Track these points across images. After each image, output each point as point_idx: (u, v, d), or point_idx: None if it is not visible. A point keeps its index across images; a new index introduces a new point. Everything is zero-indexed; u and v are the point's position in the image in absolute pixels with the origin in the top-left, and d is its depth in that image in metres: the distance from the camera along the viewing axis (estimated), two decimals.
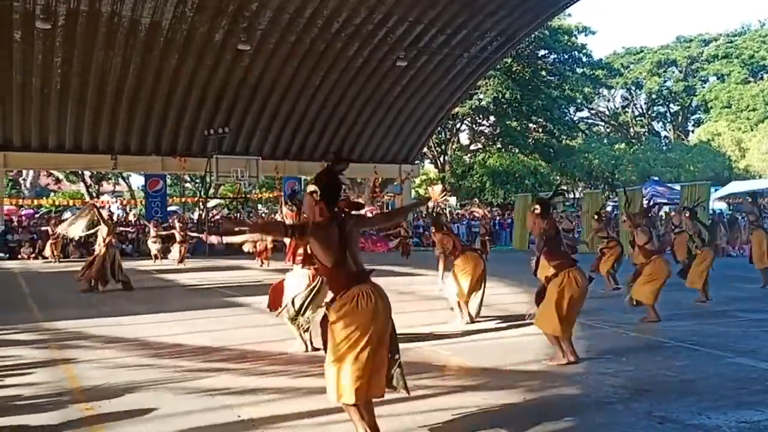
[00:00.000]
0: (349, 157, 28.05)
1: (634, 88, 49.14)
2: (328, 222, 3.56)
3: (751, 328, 7.35)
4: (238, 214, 28.40)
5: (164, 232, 19.34)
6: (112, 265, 11.50)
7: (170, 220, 22.22)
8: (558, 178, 39.35)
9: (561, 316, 5.49)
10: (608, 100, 50.96)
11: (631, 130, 49.96)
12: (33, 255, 21.45)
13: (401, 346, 3.80)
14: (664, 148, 42.48)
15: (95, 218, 12.24)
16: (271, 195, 32.85)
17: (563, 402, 4.62)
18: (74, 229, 12.77)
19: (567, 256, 5.75)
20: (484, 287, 7.75)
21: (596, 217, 12.43)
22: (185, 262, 17.63)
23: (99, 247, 11.68)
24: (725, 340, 6.61)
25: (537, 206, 5.76)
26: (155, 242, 19.34)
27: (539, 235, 5.77)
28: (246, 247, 6.62)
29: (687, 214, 10.13)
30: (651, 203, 17.86)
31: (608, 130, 50.94)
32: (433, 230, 8.21)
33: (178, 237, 17.97)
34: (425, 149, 35.58)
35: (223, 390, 4.86)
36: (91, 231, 12.67)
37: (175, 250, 18.03)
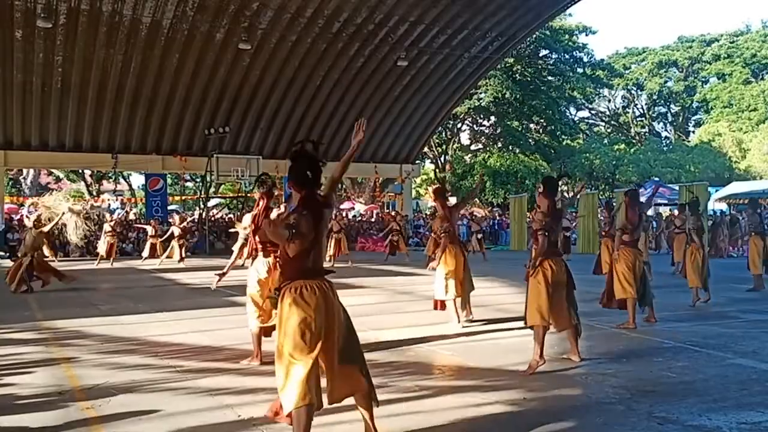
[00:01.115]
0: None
1: (635, 88, 49.13)
2: (305, 212, 3.41)
3: (752, 329, 7.33)
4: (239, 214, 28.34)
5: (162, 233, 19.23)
6: (29, 267, 11.61)
7: (170, 219, 22.07)
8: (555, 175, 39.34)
9: (549, 305, 5.38)
10: (609, 101, 50.97)
11: (632, 130, 49.93)
12: None
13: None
14: (665, 148, 42.43)
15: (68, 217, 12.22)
16: None
17: (563, 402, 4.61)
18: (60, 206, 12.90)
19: (554, 245, 5.64)
20: (470, 280, 7.64)
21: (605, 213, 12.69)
22: (185, 261, 17.59)
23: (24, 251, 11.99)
24: (726, 341, 6.60)
25: (541, 185, 5.72)
26: (154, 241, 19.25)
27: (542, 213, 5.63)
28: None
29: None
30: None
31: (609, 130, 50.91)
32: (433, 197, 8.01)
33: (176, 232, 17.79)
34: (426, 149, 35.60)
35: (222, 390, 4.86)
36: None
37: (174, 247, 17.80)
